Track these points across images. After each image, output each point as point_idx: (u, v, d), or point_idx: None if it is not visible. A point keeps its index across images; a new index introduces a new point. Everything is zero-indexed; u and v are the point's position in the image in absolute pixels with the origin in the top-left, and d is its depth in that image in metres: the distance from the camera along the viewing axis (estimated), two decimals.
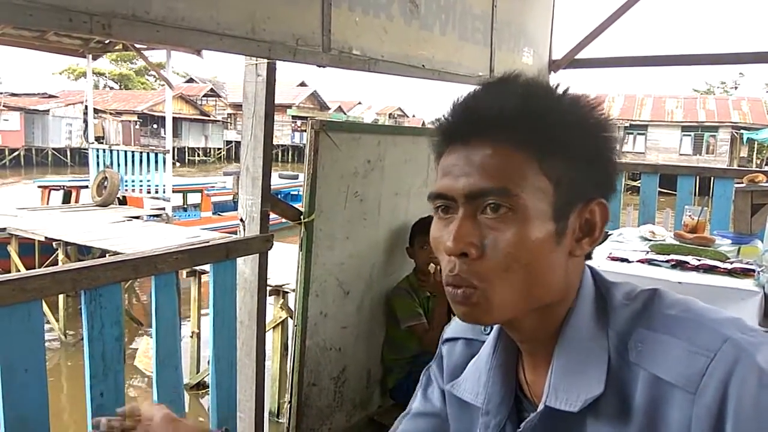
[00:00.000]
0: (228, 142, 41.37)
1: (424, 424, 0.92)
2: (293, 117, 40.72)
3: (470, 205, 0.67)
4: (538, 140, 0.66)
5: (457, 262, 0.67)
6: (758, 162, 29.79)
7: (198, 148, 39.36)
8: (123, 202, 10.60)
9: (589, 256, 0.74)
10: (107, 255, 6.24)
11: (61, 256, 7.35)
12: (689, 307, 0.67)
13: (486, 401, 0.78)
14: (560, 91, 0.71)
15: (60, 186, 11.52)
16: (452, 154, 0.70)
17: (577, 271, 0.72)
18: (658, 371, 0.63)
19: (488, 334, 0.82)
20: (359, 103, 50.00)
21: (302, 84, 42.39)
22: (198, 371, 6.05)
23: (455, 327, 0.90)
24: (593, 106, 0.71)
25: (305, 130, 2.55)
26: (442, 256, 0.70)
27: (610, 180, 0.72)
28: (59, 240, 7.34)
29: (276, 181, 10.31)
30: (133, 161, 10.55)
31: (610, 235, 2.82)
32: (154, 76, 44.28)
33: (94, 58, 10.93)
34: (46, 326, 6.93)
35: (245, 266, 2.30)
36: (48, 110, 32.28)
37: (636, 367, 0.65)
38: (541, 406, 0.69)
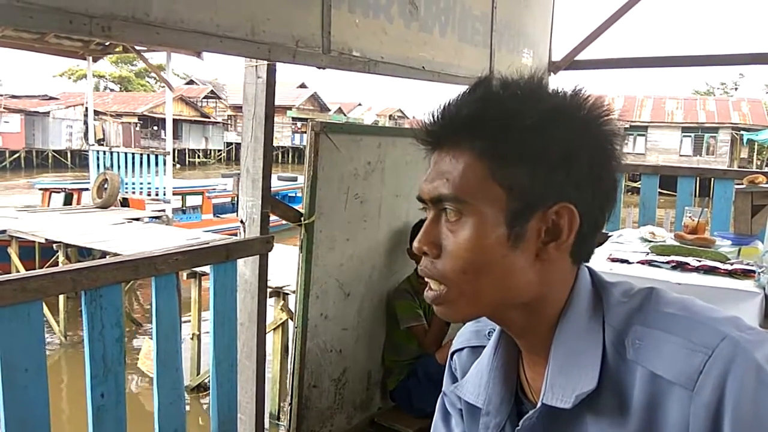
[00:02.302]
0: (228, 144, 41.39)
1: None
2: (293, 118, 40.73)
3: (436, 208, 0.71)
4: (491, 147, 0.67)
5: (424, 259, 0.72)
6: (758, 163, 29.81)
7: (198, 150, 39.37)
8: (125, 204, 10.60)
9: (585, 258, 0.73)
10: (107, 257, 6.24)
11: (61, 258, 7.35)
12: (687, 305, 0.68)
13: (486, 402, 0.78)
14: (538, 90, 0.69)
15: (61, 188, 11.49)
16: (431, 159, 0.73)
17: (558, 272, 0.71)
18: (655, 368, 0.64)
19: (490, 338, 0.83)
20: (359, 104, 50.02)
21: (302, 85, 42.40)
22: (198, 373, 6.05)
23: (459, 339, 0.91)
24: (578, 103, 0.69)
25: (305, 132, 2.55)
26: None
27: (587, 182, 0.68)
28: (59, 242, 7.34)
29: (275, 184, 10.30)
30: (133, 163, 10.57)
31: (610, 236, 2.82)
32: (155, 78, 44.29)
33: (95, 60, 10.95)
34: (46, 328, 6.94)
35: (245, 268, 2.30)
36: (48, 112, 32.27)
37: (633, 364, 0.65)
38: (539, 404, 0.70)
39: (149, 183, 10.53)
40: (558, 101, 0.69)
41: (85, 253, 7.69)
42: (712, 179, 3.94)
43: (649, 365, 0.64)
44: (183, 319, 2.61)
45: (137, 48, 9.55)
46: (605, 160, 0.70)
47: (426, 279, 0.72)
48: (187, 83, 43.17)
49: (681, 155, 28.32)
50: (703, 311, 0.66)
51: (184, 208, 12.16)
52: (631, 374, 0.65)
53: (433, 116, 0.72)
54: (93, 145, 11.40)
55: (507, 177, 0.67)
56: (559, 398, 0.68)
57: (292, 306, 5.21)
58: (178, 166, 27.47)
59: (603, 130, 0.69)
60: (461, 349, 0.89)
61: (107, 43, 9.51)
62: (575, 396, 0.66)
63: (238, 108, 35.63)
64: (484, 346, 0.83)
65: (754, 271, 2.14)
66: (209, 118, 39.56)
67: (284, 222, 2.54)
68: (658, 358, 0.64)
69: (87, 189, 10.69)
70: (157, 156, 10.56)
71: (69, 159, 33.38)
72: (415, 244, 0.72)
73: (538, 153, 0.66)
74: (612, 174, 0.71)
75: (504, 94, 0.68)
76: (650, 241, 2.67)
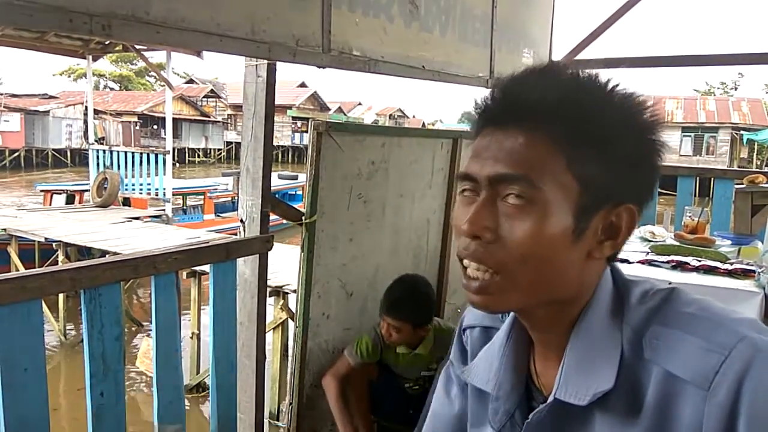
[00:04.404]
0: (228, 143, 41.39)
1: (443, 428, 0.92)
2: (293, 118, 40.74)
3: (492, 189, 0.67)
4: (572, 137, 0.65)
5: (471, 242, 0.68)
6: (758, 163, 29.81)
7: (198, 149, 39.37)
8: (126, 203, 10.57)
9: (612, 258, 0.73)
10: (107, 256, 6.23)
11: (61, 257, 7.34)
12: (706, 306, 0.67)
13: (496, 388, 0.78)
14: (609, 87, 0.68)
15: (63, 190, 11.42)
16: (486, 137, 0.70)
17: (595, 272, 0.71)
18: (671, 367, 0.64)
19: (504, 321, 0.82)
20: (359, 103, 50.07)
21: (302, 85, 42.40)
22: (198, 372, 6.05)
23: (472, 315, 0.89)
24: (643, 106, 0.69)
25: (305, 131, 2.54)
26: (458, 236, 0.70)
27: (647, 186, 0.70)
28: (59, 241, 7.33)
29: (275, 182, 10.26)
30: (133, 162, 10.54)
31: None
32: (155, 77, 44.31)
33: (95, 59, 10.92)
34: (46, 327, 6.93)
35: (245, 267, 2.30)
36: (48, 111, 32.23)
37: (650, 363, 0.65)
38: (550, 399, 0.70)
39: (149, 183, 10.49)
40: (626, 102, 0.68)
41: (84, 252, 7.69)
42: (712, 179, 3.94)
43: (665, 364, 0.64)
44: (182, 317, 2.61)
45: (137, 47, 9.54)
46: (659, 165, 0.70)
47: (470, 263, 0.68)
48: (187, 82, 43.14)
49: (681, 155, 28.32)
50: (722, 312, 0.66)
51: (185, 207, 12.11)
52: (647, 373, 0.65)
53: (498, 94, 0.69)
54: (93, 144, 11.38)
55: (585, 170, 0.66)
56: (573, 395, 0.68)
57: (292, 305, 5.21)
58: (177, 165, 27.41)
59: (660, 135, 0.70)
60: (473, 327, 0.88)
61: (107, 42, 9.50)
62: (592, 394, 0.66)
63: (238, 107, 35.62)
64: (496, 329, 0.83)
65: (753, 271, 2.14)
66: (209, 117, 39.54)
67: (285, 221, 2.54)
68: (674, 357, 0.64)
69: (89, 190, 10.66)
70: (157, 155, 10.53)
71: (69, 158, 33.35)
72: (465, 226, 0.67)
73: (618, 150, 0.66)
74: (658, 179, 0.72)
75: (586, 86, 0.67)
76: (650, 241, 2.67)
